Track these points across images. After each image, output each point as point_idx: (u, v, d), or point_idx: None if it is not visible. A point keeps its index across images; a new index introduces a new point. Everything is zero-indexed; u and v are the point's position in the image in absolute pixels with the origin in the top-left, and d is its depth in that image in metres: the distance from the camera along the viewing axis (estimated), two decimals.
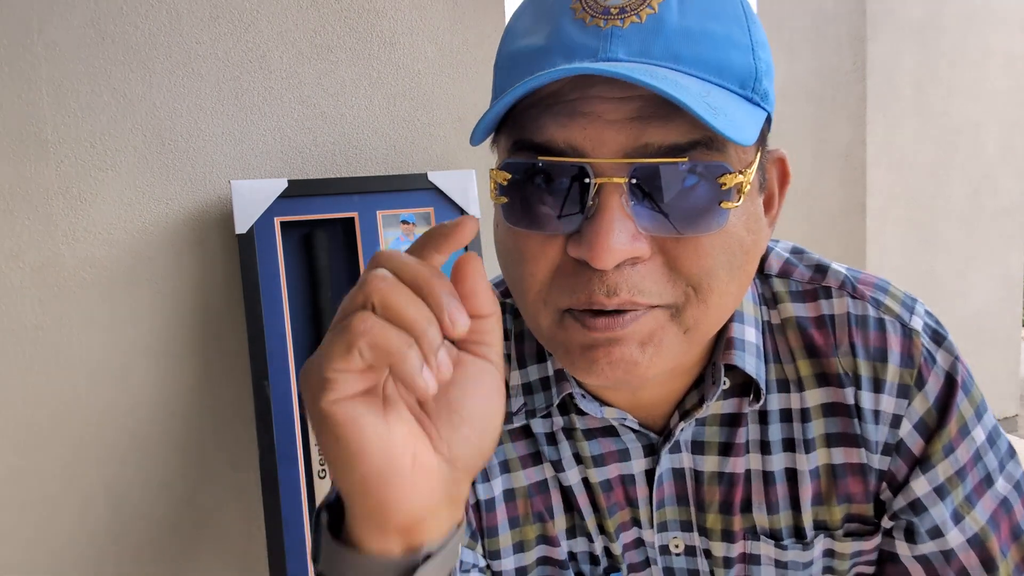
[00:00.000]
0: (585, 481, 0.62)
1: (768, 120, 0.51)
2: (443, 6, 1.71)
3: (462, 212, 1.64)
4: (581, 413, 0.61)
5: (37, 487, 1.53)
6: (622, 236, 0.45)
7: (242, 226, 1.52)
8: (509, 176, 0.49)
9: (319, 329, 1.59)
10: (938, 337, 0.59)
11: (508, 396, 0.62)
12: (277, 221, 1.54)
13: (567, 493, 0.63)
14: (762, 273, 0.62)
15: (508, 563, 0.64)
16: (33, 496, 1.53)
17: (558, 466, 0.63)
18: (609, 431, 0.61)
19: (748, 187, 0.48)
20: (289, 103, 1.62)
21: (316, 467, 1.55)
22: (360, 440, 0.38)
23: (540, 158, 0.47)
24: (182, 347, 1.59)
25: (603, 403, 0.60)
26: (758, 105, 0.48)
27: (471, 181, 1.65)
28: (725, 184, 0.46)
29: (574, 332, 0.49)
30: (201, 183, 1.58)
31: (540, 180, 0.47)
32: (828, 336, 0.59)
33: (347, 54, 1.65)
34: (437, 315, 0.37)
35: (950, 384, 0.58)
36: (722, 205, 0.47)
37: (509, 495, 0.64)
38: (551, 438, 0.63)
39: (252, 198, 1.52)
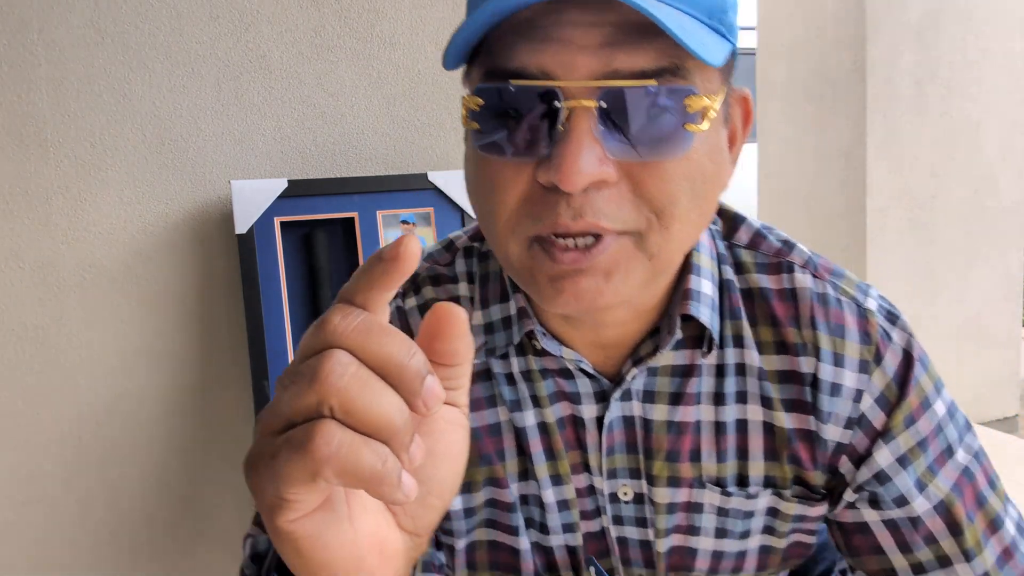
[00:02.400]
0: (541, 425, 0.63)
1: (733, 54, 0.53)
2: (443, 6, 1.71)
3: (462, 212, 1.64)
4: (539, 354, 0.62)
5: (37, 487, 1.53)
6: (590, 158, 0.46)
7: (242, 226, 1.52)
8: (482, 102, 0.49)
9: None
10: (892, 317, 0.62)
11: (477, 335, 0.64)
12: (277, 221, 1.54)
13: (520, 436, 0.63)
14: (730, 241, 0.64)
15: (456, 502, 0.64)
16: (33, 496, 1.53)
17: (514, 406, 0.63)
18: (565, 373, 0.62)
19: (713, 114, 0.49)
20: (289, 103, 1.62)
21: None
22: (325, 552, 0.33)
23: (512, 82, 0.47)
24: (182, 347, 1.59)
25: (562, 344, 0.61)
26: (724, 36, 0.50)
27: None
28: (691, 107, 0.48)
29: (542, 262, 0.50)
30: (201, 183, 1.58)
31: (511, 105, 0.48)
32: (790, 308, 0.61)
33: (347, 54, 1.65)
34: (410, 403, 0.31)
35: (907, 360, 0.60)
36: (687, 127, 0.48)
37: None
38: (509, 379, 0.63)
39: (252, 198, 1.52)
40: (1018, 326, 3.23)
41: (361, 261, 1.57)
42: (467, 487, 0.65)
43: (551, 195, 0.48)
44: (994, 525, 0.60)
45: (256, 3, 1.58)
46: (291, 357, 1.52)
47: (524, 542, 0.64)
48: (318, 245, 1.59)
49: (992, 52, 3.01)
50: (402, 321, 0.66)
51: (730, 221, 0.66)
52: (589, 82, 0.46)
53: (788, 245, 0.64)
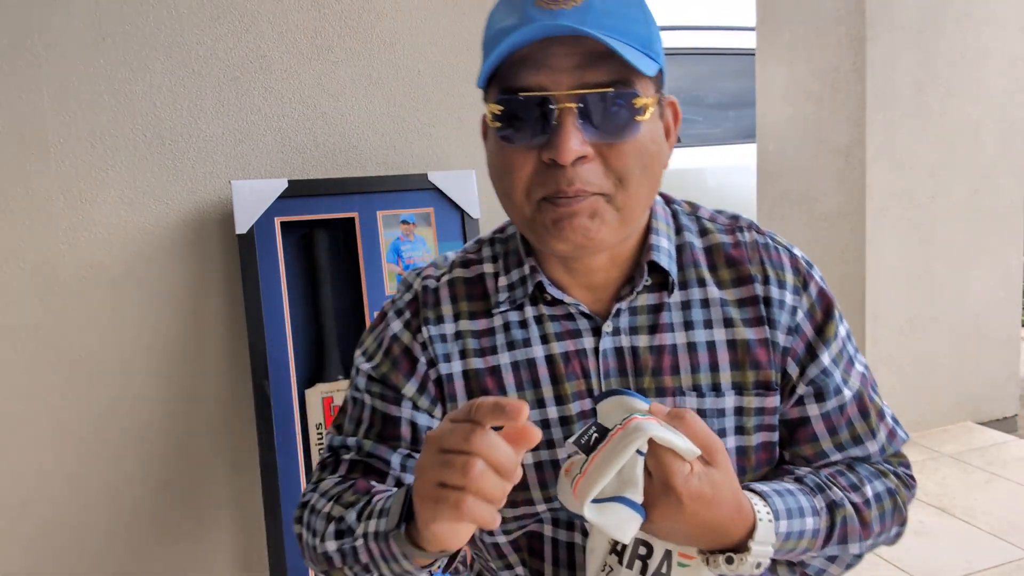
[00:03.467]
0: (549, 357, 0.83)
1: (662, 72, 0.76)
2: (443, 7, 1.71)
3: (462, 212, 1.64)
4: (548, 304, 0.84)
5: (37, 486, 1.53)
6: (575, 140, 0.70)
7: (242, 226, 1.52)
8: (501, 108, 0.73)
9: (319, 329, 1.59)
10: (810, 263, 0.87)
11: (496, 292, 0.86)
12: (277, 221, 1.54)
13: (532, 366, 0.83)
14: (696, 215, 0.88)
15: None
16: (34, 495, 1.53)
17: (526, 343, 0.83)
18: (568, 317, 0.83)
19: (652, 109, 0.74)
20: (289, 103, 1.62)
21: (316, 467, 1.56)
22: (452, 537, 0.63)
23: (520, 94, 0.72)
24: (182, 347, 1.59)
25: (564, 292, 0.83)
26: (653, 60, 0.73)
27: (471, 181, 1.66)
28: (636, 104, 0.72)
29: (547, 212, 0.74)
30: (201, 183, 1.58)
31: (521, 109, 0.72)
32: (743, 252, 0.85)
33: (347, 54, 1.65)
34: (508, 481, 0.59)
35: (823, 291, 0.85)
36: (635, 119, 0.72)
37: (466, 375, 0.84)
38: (524, 324, 0.84)
39: (252, 198, 1.52)
40: (1018, 326, 3.23)
41: (361, 261, 1.57)
42: None
43: (551, 169, 0.72)
44: (881, 414, 0.87)
45: (256, 4, 1.59)
46: (291, 357, 1.52)
47: (529, 457, 0.81)
48: (318, 245, 1.59)
49: (992, 52, 3.01)
50: (432, 295, 0.87)
51: (692, 204, 0.90)
52: (570, 91, 0.71)
53: (735, 218, 0.89)
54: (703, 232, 0.87)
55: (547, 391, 0.82)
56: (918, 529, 2.29)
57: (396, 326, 0.86)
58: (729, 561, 0.69)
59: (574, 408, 0.81)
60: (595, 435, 0.66)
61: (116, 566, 1.59)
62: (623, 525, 0.64)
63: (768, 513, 0.71)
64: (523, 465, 0.77)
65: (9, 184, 1.47)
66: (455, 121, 1.74)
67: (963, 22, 2.95)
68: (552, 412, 0.82)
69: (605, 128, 0.72)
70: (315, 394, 1.57)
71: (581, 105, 0.70)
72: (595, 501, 0.63)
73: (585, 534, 0.80)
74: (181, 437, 1.61)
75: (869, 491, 0.82)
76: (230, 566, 1.67)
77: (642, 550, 0.71)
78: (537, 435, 0.60)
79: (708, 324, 0.82)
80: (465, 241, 1.64)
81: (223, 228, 1.60)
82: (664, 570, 0.70)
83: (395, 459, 0.83)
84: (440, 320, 0.85)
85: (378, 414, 0.85)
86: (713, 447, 0.66)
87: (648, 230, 0.83)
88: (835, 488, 0.80)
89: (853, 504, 0.80)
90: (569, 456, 0.67)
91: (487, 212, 1.76)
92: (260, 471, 1.50)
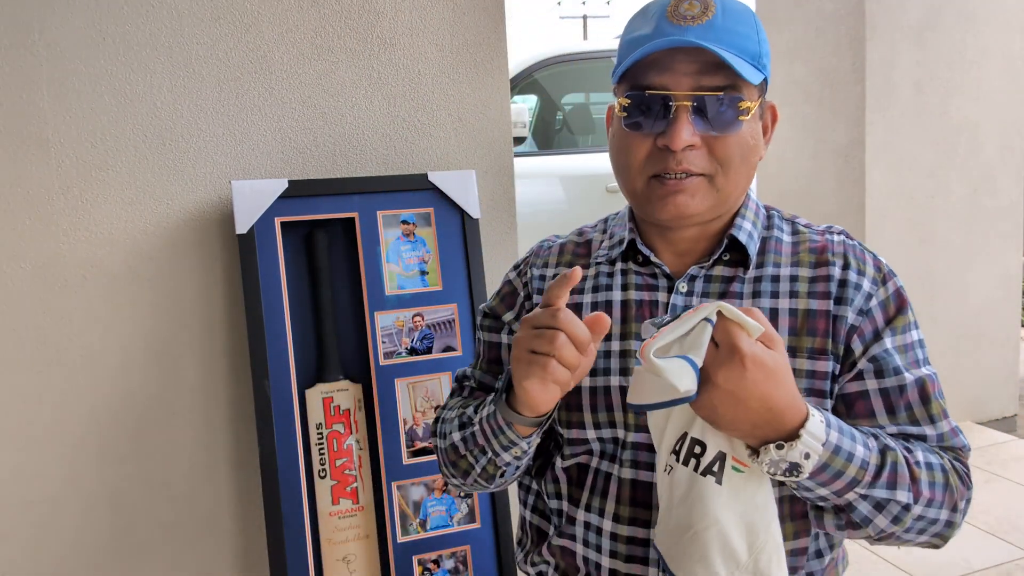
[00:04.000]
0: (624, 301, 0.96)
1: (765, 80, 0.90)
2: (443, 7, 1.71)
3: (462, 212, 1.65)
4: (638, 264, 0.97)
5: (38, 487, 1.53)
6: (687, 131, 0.85)
7: (242, 226, 1.52)
8: (628, 101, 0.88)
9: (319, 329, 1.59)
10: (893, 271, 0.95)
11: (598, 251, 1.02)
12: (277, 221, 1.54)
13: (608, 306, 0.96)
14: (792, 220, 0.99)
15: None
16: (34, 496, 1.53)
17: (609, 288, 0.98)
18: (651, 275, 0.97)
19: (753, 111, 0.88)
20: (290, 103, 1.63)
21: (316, 467, 1.56)
22: (541, 398, 0.81)
23: (648, 91, 0.87)
24: (182, 347, 1.60)
25: (653, 253, 0.97)
26: (759, 70, 0.88)
27: (471, 181, 1.66)
28: (740, 106, 0.87)
29: (656, 188, 0.89)
30: (202, 183, 1.58)
31: (646, 103, 0.87)
32: (830, 245, 0.94)
33: (347, 55, 1.66)
34: (583, 353, 0.79)
35: (900, 294, 0.93)
36: (739, 118, 0.87)
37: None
38: (610, 275, 0.99)
39: (253, 198, 1.52)
40: (1017, 326, 3.24)
41: (361, 261, 1.58)
42: None
43: (664, 153, 0.87)
44: (945, 413, 0.91)
45: (257, 4, 1.59)
46: (291, 357, 1.52)
47: (586, 381, 0.94)
48: (318, 245, 1.59)
49: (991, 52, 3.01)
50: (546, 251, 1.06)
51: (791, 214, 1.02)
52: (688, 92, 0.85)
53: (831, 226, 0.99)
54: (795, 232, 0.98)
55: (615, 328, 0.95)
56: None
57: (511, 274, 1.08)
58: (779, 447, 0.73)
59: (634, 344, 0.94)
60: (668, 318, 0.74)
61: (116, 566, 1.59)
62: (681, 374, 0.69)
63: (822, 418, 0.76)
64: (579, 388, 0.94)
65: (9, 184, 1.47)
66: (455, 121, 1.74)
67: (963, 22, 2.96)
68: (615, 345, 0.95)
69: (713, 124, 0.86)
70: (315, 394, 1.57)
71: (695, 104, 0.85)
72: (659, 358, 0.69)
73: (622, 464, 0.92)
74: (181, 437, 1.61)
75: (921, 456, 0.85)
76: (230, 566, 1.67)
77: (697, 449, 0.77)
78: (607, 322, 0.79)
79: (775, 295, 0.92)
80: (466, 241, 1.64)
81: (223, 228, 1.60)
82: (716, 469, 0.76)
83: (500, 384, 0.96)
84: (545, 266, 1.04)
85: (486, 344, 1.07)
86: (775, 337, 0.73)
87: (737, 215, 0.95)
88: (888, 440, 0.85)
89: (904, 458, 0.83)
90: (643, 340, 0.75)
91: (487, 212, 1.76)
92: (260, 471, 1.50)
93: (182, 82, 1.55)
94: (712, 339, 0.70)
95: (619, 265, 0.98)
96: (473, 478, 0.97)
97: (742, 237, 0.93)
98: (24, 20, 1.46)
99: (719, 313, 0.70)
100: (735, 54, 0.84)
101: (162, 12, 1.53)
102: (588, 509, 0.94)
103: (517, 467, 0.94)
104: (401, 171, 1.71)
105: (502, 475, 0.95)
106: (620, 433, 0.92)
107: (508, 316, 1.04)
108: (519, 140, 3.65)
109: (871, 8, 2.81)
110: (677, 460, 0.77)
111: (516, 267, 1.08)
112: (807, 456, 0.74)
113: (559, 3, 29.32)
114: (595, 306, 0.97)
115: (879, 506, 0.81)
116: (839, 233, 0.97)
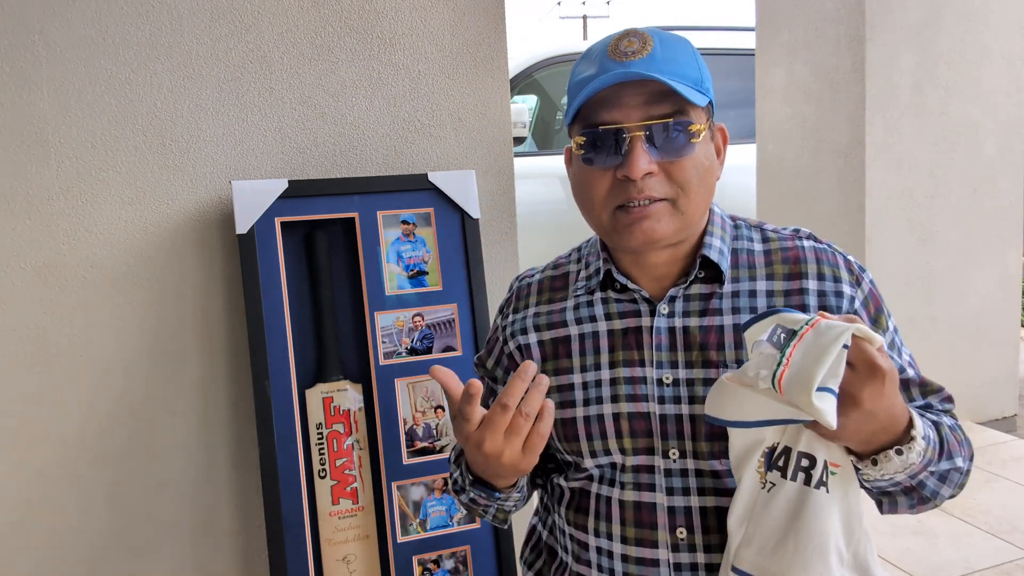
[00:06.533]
0: (610, 331, 0.99)
1: (711, 104, 0.94)
2: (443, 7, 1.71)
3: (462, 212, 1.65)
4: (616, 291, 1.00)
5: (38, 487, 1.53)
6: (643, 160, 0.88)
7: (243, 226, 1.52)
8: (584, 139, 0.92)
9: (319, 329, 1.59)
10: (862, 267, 0.99)
11: (575, 284, 1.05)
12: (277, 221, 1.54)
13: (596, 338, 1.00)
14: (760, 227, 1.03)
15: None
16: (34, 496, 1.53)
17: (593, 319, 1.00)
18: (631, 301, 1.00)
19: (704, 133, 0.91)
20: (290, 103, 1.63)
21: (316, 467, 1.56)
22: (513, 467, 0.87)
23: (601, 127, 0.90)
24: (182, 347, 1.60)
25: (630, 281, 0.99)
26: (704, 93, 0.91)
27: (471, 181, 1.66)
28: (691, 128, 0.90)
29: (622, 217, 0.92)
30: (202, 183, 1.58)
31: (600, 139, 0.90)
32: (801, 253, 0.98)
33: (347, 54, 1.66)
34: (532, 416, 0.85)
35: (873, 287, 0.98)
36: (691, 141, 0.90)
37: (541, 344, 1.03)
38: (590, 304, 1.02)
39: (253, 198, 1.52)
40: (1017, 326, 3.24)
41: (361, 261, 1.58)
42: (544, 373, 0.98)
43: (625, 183, 0.90)
44: (940, 388, 0.96)
45: (257, 4, 1.59)
46: (291, 357, 1.52)
47: (580, 411, 0.98)
48: (318, 245, 1.59)
49: (991, 52, 3.01)
50: (525, 290, 1.09)
51: (758, 221, 1.05)
52: (639, 123, 0.89)
53: (797, 229, 1.03)
54: (765, 239, 1.01)
55: (604, 357, 0.99)
56: (917, 529, 2.29)
57: (497, 318, 1.12)
58: (899, 452, 0.77)
59: (623, 372, 0.97)
60: (782, 334, 0.74)
61: (116, 566, 1.59)
62: (833, 411, 0.70)
63: (917, 415, 0.80)
64: (574, 419, 0.99)
65: (10, 184, 1.47)
66: (455, 121, 1.74)
67: (962, 22, 2.96)
68: (605, 374, 0.98)
69: (667, 149, 0.89)
70: (315, 394, 1.57)
71: (648, 133, 0.88)
72: (816, 399, 0.69)
73: (623, 488, 0.97)
74: (181, 437, 1.61)
75: (945, 419, 0.93)
76: (230, 566, 1.67)
77: (804, 462, 0.79)
78: (533, 369, 0.84)
79: (753, 309, 0.95)
80: (466, 241, 1.64)
81: (223, 228, 1.60)
82: (824, 478, 0.78)
83: (460, 476, 1.02)
84: (526, 308, 1.07)
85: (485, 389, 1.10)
86: (882, 343, 0.74)
87: (704, 233, 0.98)
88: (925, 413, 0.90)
89: (946, 424, 0.90)
90: (739, 366, 0.77)
91: (487, 212, 1.76)
92: (260, 471, 1.50)
93: (182, 82, 1.55)
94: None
95: (598, 294, 1.02)
96: (491, 516, 1.05)
97: (713, 255, 0.96)
98: (24, 20, 1.45)
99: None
100: (678, 81, 0.88)
101: (162, 12, 1.53)
102: (597, 534, 0.98)
103: (526, 497, 1.05)
104: (401, 171, 1.71)
105: (515, 507, 1.03)
106: (618, 458, 0.97)
107: (490, 362, 1.11)
108: (519, 140, 3.65)
109: (871, 8, 2.81)
110: (784, 476, 0.79)
111: (501, 310, 1.11)
112: (920, 454, 0.79)
113: (559, 3, 29.32)
114: (582, 338, 1.00)
115: (943, 477, 0.88)
116: (807, 238, 1.00)
